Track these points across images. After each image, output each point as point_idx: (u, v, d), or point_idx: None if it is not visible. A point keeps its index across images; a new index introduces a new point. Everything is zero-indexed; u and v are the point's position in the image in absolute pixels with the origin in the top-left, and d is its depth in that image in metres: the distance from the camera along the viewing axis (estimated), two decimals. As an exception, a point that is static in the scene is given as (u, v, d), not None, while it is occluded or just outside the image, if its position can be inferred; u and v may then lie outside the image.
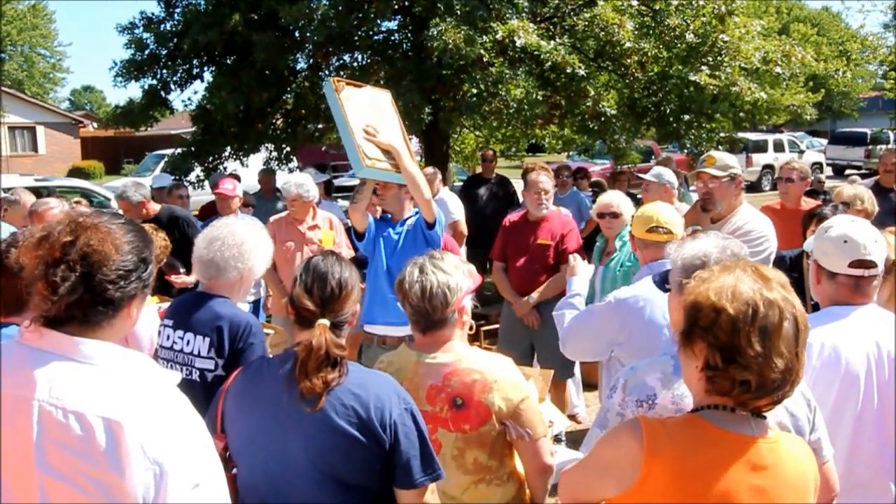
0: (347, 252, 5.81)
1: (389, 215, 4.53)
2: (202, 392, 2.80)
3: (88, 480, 1.47)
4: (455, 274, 2.45)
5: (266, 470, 2.14)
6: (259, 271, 3.22)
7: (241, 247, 3.08)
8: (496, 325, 5.99)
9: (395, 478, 2.13)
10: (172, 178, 9.53)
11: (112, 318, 1.63)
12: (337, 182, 15.27)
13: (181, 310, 3.14)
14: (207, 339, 2.97)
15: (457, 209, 7.40)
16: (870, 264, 2.51)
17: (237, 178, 7.84)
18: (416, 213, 4.42)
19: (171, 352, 3.06)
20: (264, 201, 8.75)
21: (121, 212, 6.39)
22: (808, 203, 5.46)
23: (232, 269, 3.07)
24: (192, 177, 10.39)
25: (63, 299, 1.55)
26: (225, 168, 10.79)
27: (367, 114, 4.16)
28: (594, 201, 8.47)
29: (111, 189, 15.89)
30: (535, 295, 5.22)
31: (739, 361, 1.59)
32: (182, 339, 3.03)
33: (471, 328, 2.57)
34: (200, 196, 11.51)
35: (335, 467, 2.10)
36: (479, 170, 11.94)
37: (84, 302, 1.58)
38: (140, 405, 1.53)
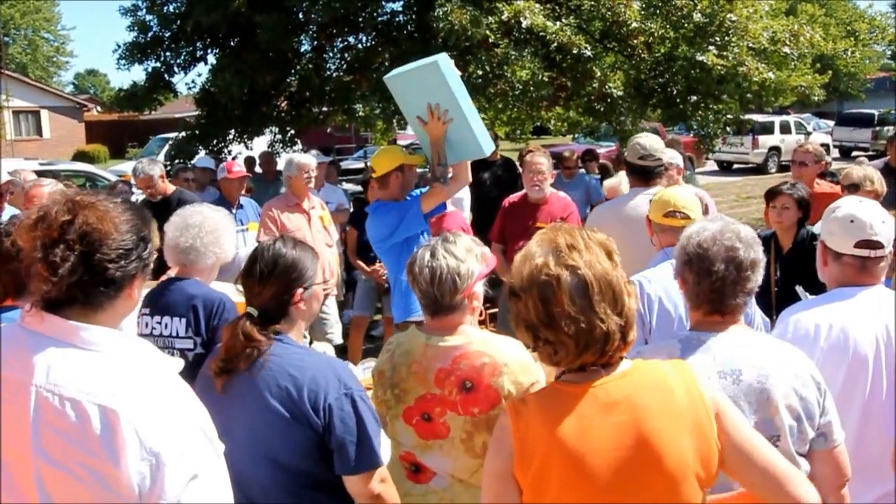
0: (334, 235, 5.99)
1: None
2: (187, 372, 2.84)
3: (83, 468, 1.46)
4: (467, 259, 2.41)
5: None
6: (228, 256, 3.36)
7: (216, 233, 3.24)
8: (503, 309, 5.98)
9: (333, 462, 2.13)
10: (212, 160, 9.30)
11: (113, 298, 1.61)
12: (342, 165, 15.16)
13: (155, 297, 3.24)
14: (184, 320, 3.09)
15: (464, 192, 7.32)
16: (876, 245, 2.48)
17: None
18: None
19: (152, 338, 3.14)
20: (265, 184, 8.56)
21: (138, 189, 6.39)
22: (819, 185, 5.42)
23: (210, 254, 3.23)
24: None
25: (64, 280, 1.52)
26: (230, 151, 10.77)
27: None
28: (601, 183, 8.46)
29: (116, 173, 15.90)
30: None
31: (539, 336, 1.70)
32: (160, 323, 3.13)
33: (480, 313, 2.54)
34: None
35: (272, 447, 2.13)
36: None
37: (85, 282, 1.55)
38: (138, 394, 1.51)
